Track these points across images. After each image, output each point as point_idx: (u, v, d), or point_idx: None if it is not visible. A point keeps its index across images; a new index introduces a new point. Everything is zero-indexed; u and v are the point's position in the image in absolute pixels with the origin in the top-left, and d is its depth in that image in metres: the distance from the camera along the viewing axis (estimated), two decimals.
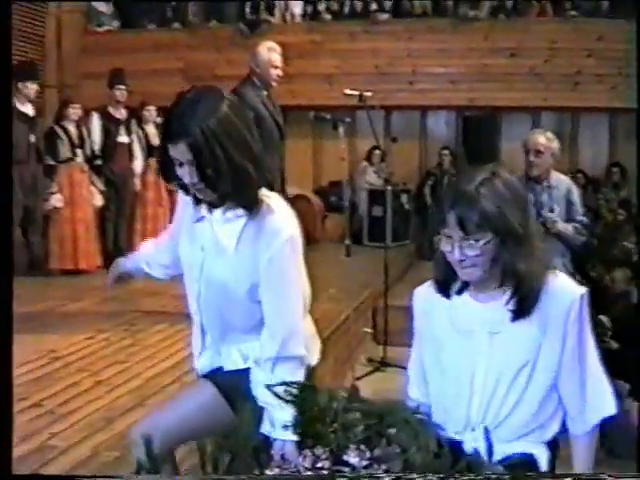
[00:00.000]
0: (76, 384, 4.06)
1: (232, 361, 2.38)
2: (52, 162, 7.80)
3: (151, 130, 8.44)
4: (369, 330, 6.62)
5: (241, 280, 2.26)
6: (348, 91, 6.27)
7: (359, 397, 2.13)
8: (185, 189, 2.25)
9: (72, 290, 6.67)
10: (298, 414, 2.06)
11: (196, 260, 2.35)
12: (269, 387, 2.16)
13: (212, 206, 2.27)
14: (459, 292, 2.17)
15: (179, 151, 2.11)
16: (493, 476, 1.92)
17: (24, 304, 6.06)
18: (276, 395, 2.12)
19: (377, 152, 10.78)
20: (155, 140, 8.14)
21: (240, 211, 2.24)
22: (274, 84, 5.57)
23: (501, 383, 2.10)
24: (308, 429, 1.99)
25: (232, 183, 2.14)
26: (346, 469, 1.86)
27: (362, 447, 1.88)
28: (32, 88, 7.56)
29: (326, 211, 10.95)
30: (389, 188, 8.82)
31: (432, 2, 11.53)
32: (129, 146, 8.28)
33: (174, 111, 2.15)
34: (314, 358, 2.44)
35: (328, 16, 11.62)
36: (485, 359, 2.11)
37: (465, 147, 11.12)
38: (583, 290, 2.11)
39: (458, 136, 11.47)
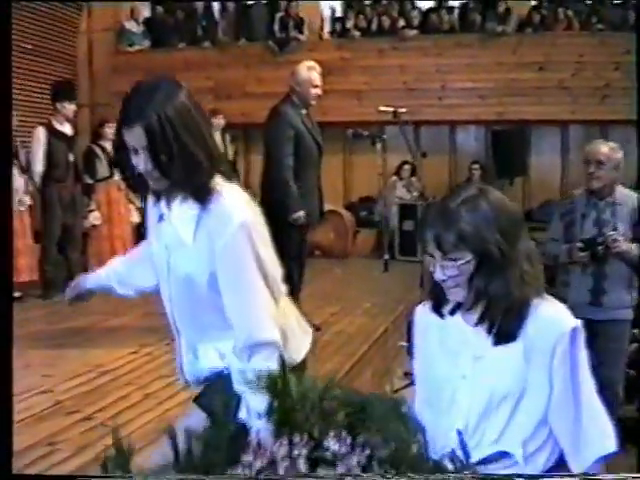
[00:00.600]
0: (125, 397, 4.16)
1: (209, 360, 2.34)
2: (90, 181, 7.95)
3: None
4: (405, 344, 6.67)
5: (202, 271, 2.24)
6: (383, 107, 6.34)
7: (338, 385, 2.00)
8: (136, 183, 2.29)
9: (112, 306, 6.73)
10: (272, 402, 1.93)
11: (162, 259, 2.35)
12: (242, 373, 2.10)
13: (168, 201, 2.28)
14: (452, 312, 2.09)
15: (134, 135, 2.12)
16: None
17: (65, 320, 6.21)
18: (248, 382, 2.00)
19: (407, 167, 10.87)
20: None
21: (194, 202, 2.23)
22: (313, 103, 5.66)
23: (483, 412, 2.00)
24: (284, 418, 1.88)
25: (184, 170, 2.15)
26: (326, 454, 1.77)
27: (343, 433, 1.79)
28: (70, 108, 7.71)
29: (357, 226, 11.04)
30: (420, 203, 8.87)
31: (460, 17, 11.65)
32: None
33: (132, 95, 2.17)
34: (301, 352, 2.39)
35: (357, 33, 11.73)
36: (468, 384, 2.02)
37: (494, 161, 11.15)
38: (574, 323, 1.98)
39: (487, 150, 11.49)
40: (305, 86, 5.58)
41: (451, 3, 12.09)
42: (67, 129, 7.75)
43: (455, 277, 1.96)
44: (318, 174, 5.77)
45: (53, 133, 7.62)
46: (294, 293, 5.63)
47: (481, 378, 2.00)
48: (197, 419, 2.23)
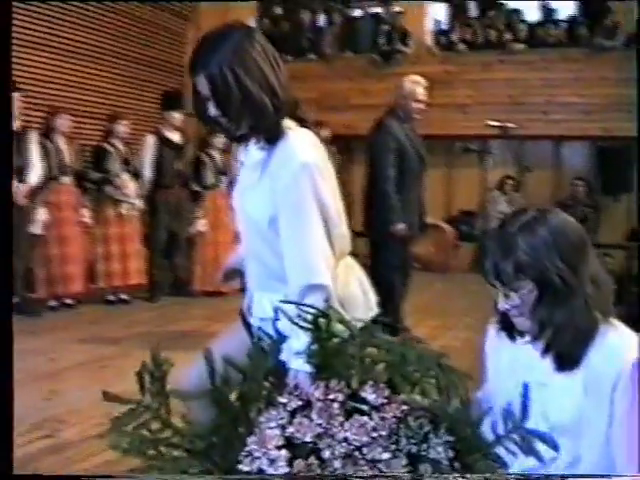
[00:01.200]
0: None
1: (262, 308, 2.34)
2: (198, 188, 8.15)
3: None
4: None
5: (264, 212, 2.24)
6: (490, 122, 6.33)
7: (380, 333, 2.02)
8: (217, 131, 2.41)
9: (214, 311, 6.92)
10: (313, 344, 1.96)
11: (238, 205, 2.39)
12: (285, 313, 2.07)
13: (245, 146, 2.35)
14: (521, 335, 1.97)
15: (201, 84, 2.19)
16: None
17: (171, 323, 6.37)
18: (291, 321, 2.02)
19: (509, 181, 10.77)
20: None
21: (264, 144, 2.25)
22: (417, 117, 5.69)
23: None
24: (323, 361, 1.90)
25: (250, 115, 2.20)
26: (362, 406, 1.77)
27: (381, 385, 1.80)
28: (178, 117, 7.92)
29: (458, 240, 10.97)
30: None
31: (567, 31, 11.49)
32: None
33: (200, 44, 2.23)
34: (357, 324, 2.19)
35: (462, 46, 11.70)
36: (532, 410, 1.87)
37: (600, 178, 10.96)
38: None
39: (592, 167, 11.30)
40: (409, 100, 5.62)
41: (558, 17, 11.97)
42: (176, 137, 7.97)
43: (518, 307, 1.87)
44: (420, 187, 5.78)
45: (162, 141, 7.85)
46: (398, 304, 5.68)
47: (542, 405, 1.88)
48: (237, 346, 2.24)
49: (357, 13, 12.73)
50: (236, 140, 2.36)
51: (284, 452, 1.72)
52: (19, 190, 6.60)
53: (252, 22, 13.16)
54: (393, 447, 1.73)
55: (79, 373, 5.00)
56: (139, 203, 7.71)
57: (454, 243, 10.94)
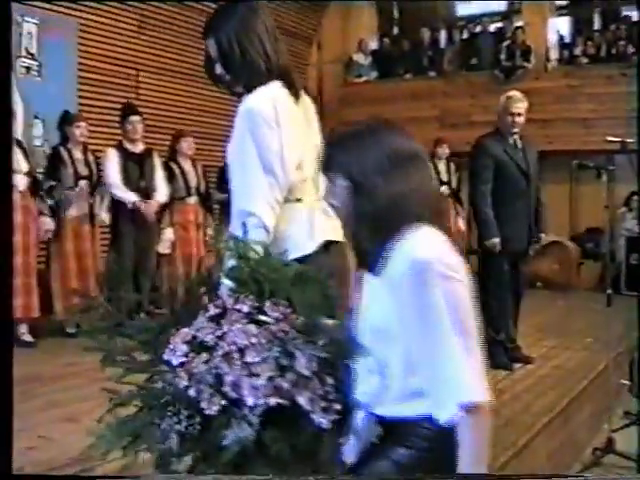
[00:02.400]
0: None
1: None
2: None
3: None
4: (627, 382, 6.43)
5: (229, 157, 2.61)
6: (610, 138, 6.18)
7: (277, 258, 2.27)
8: (225, 88, 2.71)
9: None
10: (236, 264, 2.21)
11: None
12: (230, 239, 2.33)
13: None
14: None
15: (210, 46, 2.62)
16: None
17: None
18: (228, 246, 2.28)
19: (636, 198, 10.47)
20: None
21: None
22: (515, 131, 5.63)
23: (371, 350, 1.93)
24: (239, 278, 2.15)
25: (245, 73, 2.59)
26: (265, 318, 2.02)
27: (282, 302, 2.06)
28: None
29: (582, 258, 10.75)
30: None
31: None
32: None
33: (213, 14, 2.67)
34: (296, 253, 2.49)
35: (585, 60, 11.48)
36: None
37: None
38: (427, 254, 1.83)
39: None
40: (505, 115, 5.59)
41: None
42: None
43: (337, 200, 1.99)
44: (526, 202, 5.69)
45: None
46: (508, 322, 5.64)
47: (366, 311, 1.99)
48: None
49: (478, 29, 12.66)
50: (236, 95, 2.67)
51: (184, 346, 2.03)
52: (147, 210, 6.89)
53: (373, 42, 13.33)
54: (266, 354, 1.96)
55: None
56: None
57: (577, 261, 10.76)
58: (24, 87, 8.58)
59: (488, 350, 1.96)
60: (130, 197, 6.87)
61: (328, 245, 2.62)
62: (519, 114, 5.58)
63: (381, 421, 1.94)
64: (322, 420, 1.94)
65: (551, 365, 5.78)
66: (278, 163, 2.50)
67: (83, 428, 3.87)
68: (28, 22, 8.65)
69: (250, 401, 1.92)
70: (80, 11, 9.19)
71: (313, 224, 2.62)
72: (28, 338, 6.32)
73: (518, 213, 5.64)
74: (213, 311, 2.08)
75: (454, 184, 9.55)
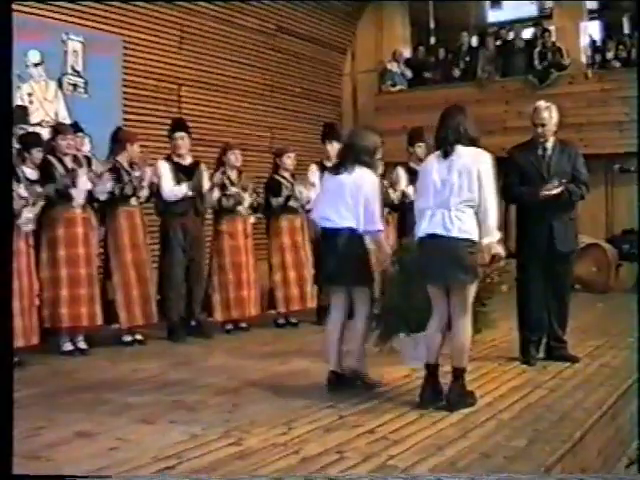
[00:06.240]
0: (403, 415, 4.52)
1: None
2: None
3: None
4: None
5: None
6: None
7: None
8: None
9: None
10: None
11: None
12: None
13: None
14: None
15: None
16: None
17: None
18: None
19: None
20: None
21: None
22: (542, 140, 5.82)
23: None
24: None
25: None
26: None
27: None
28: (337, 147, 8.21)
29: (619, 259, 10.87)
30: None
31: None
32: None
33: None
34: None
35: (617, 64, 11.59)
36: None
37: None
38: None
39: None
40: (533, 125, 5.86)
41: None
42: None
43: None
44: (550, 210, 5.81)
45: (324, 169, 8.17)
46: (543, 324, 5.89)
47: None
48: None
49: (510, 36, 12.80)
50: None
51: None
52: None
53: (407, 51, 13.53)
54: None
55: (256, 389, 5.31)
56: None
57: (615, 263, 10.86)
58: (71, 103, 8.90)
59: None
60: (182, 189, 7.30)
61: None
62: (542, 124, 5.78)
63: None
64: None
65: (598, 364, 5.94)
66: None
67: (158, 429, 4.16)
68: (73, 40, 8.95)
69: None
70: (124, 28, 9.49)
71: None
72: (83, 346, 6.64)
73: (541, 218, 5.80)
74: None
75: None
